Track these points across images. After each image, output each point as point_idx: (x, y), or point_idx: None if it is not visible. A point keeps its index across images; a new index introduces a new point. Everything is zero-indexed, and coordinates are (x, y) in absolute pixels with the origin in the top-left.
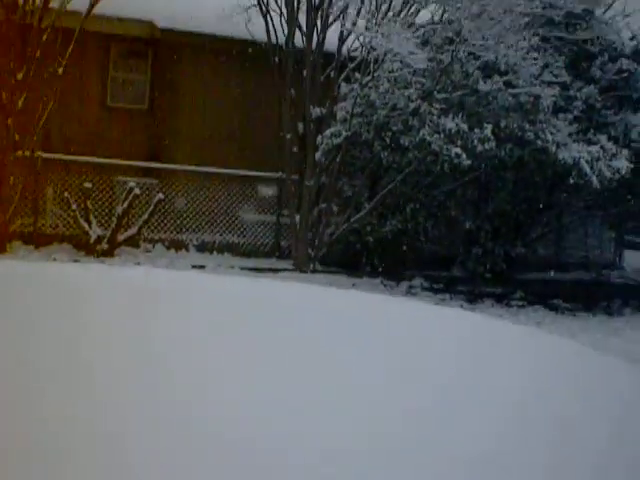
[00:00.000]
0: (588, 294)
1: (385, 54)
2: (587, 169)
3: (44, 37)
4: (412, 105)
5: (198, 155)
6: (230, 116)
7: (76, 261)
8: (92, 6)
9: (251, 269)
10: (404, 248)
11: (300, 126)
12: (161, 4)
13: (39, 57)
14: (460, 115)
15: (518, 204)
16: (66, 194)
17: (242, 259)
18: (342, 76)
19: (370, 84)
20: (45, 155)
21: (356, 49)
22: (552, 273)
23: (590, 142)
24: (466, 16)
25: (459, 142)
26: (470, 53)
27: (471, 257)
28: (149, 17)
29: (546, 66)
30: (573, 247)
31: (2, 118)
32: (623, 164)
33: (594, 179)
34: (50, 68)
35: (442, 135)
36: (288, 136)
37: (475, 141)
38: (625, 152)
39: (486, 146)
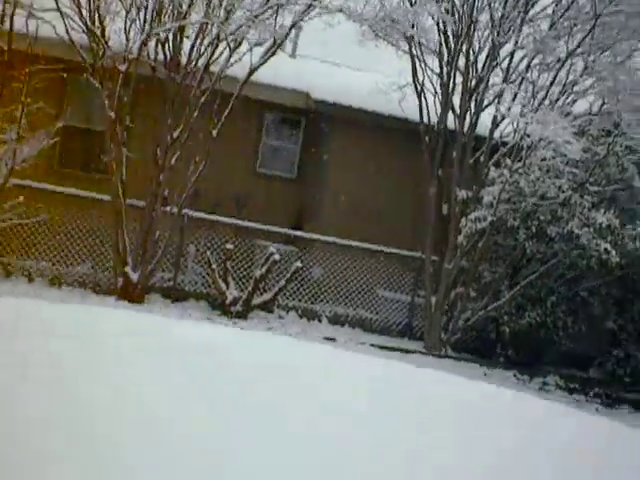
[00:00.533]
0: None
1: (539, 141)
2: None
3: (202, 99)
4: (562, 195)
5: (340, 228)
6: (376, 192)
7: (209, 319)
8: (251, 72)
9: (381, 347)
10: (541, 342)
11: (445, 207)
12: (319, 78)
13: (196, 118)
14: (612, 210)
15: None
16: (208, 253)
17: (373, 335)
18: (492, 160)
19: (520, 170)
20: (192, 213)
21: (508, 134)
22: None
23: None
24: (626, 109)
25: (609, 237)
26: (627, 147)
27: (611, 359)
28: (305, 88)
29: None
30: None
31: (155, 173)
32: None
33: None
34: (205, 130)
35: (592, 229)
36: (432, 217)
37: (626, 238)
38: None
39: (637, 244)
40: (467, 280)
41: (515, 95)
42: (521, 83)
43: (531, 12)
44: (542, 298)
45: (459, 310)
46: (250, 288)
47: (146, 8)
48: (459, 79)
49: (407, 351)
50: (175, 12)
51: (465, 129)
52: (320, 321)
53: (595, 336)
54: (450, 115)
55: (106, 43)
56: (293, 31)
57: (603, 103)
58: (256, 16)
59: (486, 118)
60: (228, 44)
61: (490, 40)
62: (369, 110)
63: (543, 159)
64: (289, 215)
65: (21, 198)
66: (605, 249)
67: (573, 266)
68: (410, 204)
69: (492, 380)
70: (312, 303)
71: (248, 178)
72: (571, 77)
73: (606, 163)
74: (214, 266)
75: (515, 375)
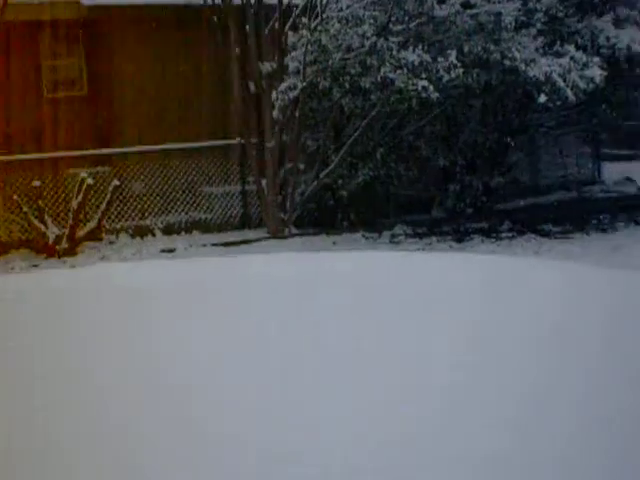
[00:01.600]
0: (575, 214)
1: None
2: (561, 83)
3: None
4: (368, 43)
5: (149, 134)
6: (178, 87)
7: (36, 266)
8: None
9: (225, 244)
10: (379, 197)
11: (252, 85)
12: None
13: None
14: (420, 46)
15: (490, 132)
16: (15, 197)
17: (212, 235)
18: (288, 25)
19: (320, 28)
20: None
21: None
22: (532, 198)
23: (559, 54)
24: None
25: (424, 75)
26: None
27: (449, 195)
28: None
29: None
30: (550, 169)
31: None
32: (596, 72)
33: (569, 92)
34: None
35: (405, 70)
36: (241, 98)
37: (441, 71)
38: (596, 60)
39: (452, 74)
40: (293, 154)
41: None
42: None
43: None
44: (371, 152)
45: (292, 186)
46: (71, 221)
47: None
48: None
49: (251, 241)
50: None
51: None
52: (154, 235)
53: (430, 177)
54: None
55: None
56: None
57: None
58: None
59: None
60: None
61: None
62: (145, 3)
63: (340, 10)
64: (92, 134)
65: None
66: (423, 87)
67: (394, 113)
68: (217, 92)
69: (342, 246)
70: (141, 219)
71: (39, 106)
72: None
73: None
74: (25, 209)
75: (363, 235)
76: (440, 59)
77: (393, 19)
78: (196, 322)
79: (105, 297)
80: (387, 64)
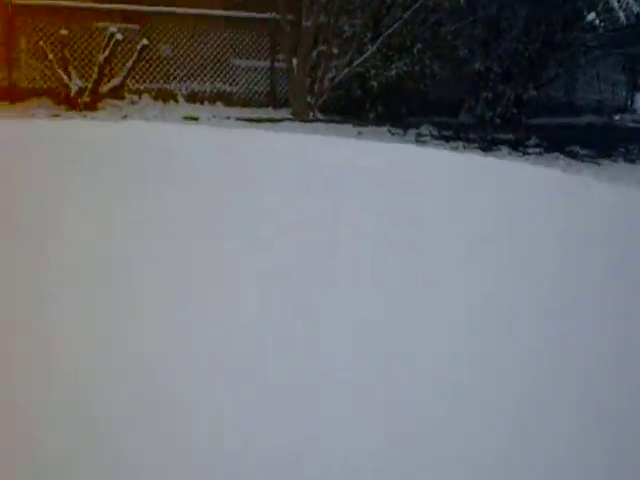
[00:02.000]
0: (604, 139)
1: None
2: (615, 2)
3: None
4: None
5: None
6: None
7: (56, 116)
8: None
9: (247, 120)
10: (410, 93)
11: None
12: None
13: None
14: None
15: (531, 43)
16: (41, 43)
17: (236, 109)
18: None
19: None
20: (16, 1)
21: None
22: (564, 118)
23: None
24: None
25: None
26: None
27: (480, 102)
28: None
29: None
30: (585, 90)
31: None
32: None
33: (621, 14)
34: None
35: None
36: None
37: None
38: None
39: None
40: (328, 37)
41: None
42: None
43: None
44: (408, 46)
45: (323, 70)
46: (95, 76)
47: None
48: None
49: (275, 120)
50: None
51: None
52: (177, 101)
53: (463, 80)
54: None
55: None
56: None
57: None
58: None
59: None
60: None
61: None
62: None
63: None
64: None
65: None
66: None
67: (437, 9)
68: None
69: (367, 137)
70: (165, 83)
71: None
72: None
73: None
74: (51, 56)
75: (389, 130)
76: None
77: None
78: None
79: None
80: None
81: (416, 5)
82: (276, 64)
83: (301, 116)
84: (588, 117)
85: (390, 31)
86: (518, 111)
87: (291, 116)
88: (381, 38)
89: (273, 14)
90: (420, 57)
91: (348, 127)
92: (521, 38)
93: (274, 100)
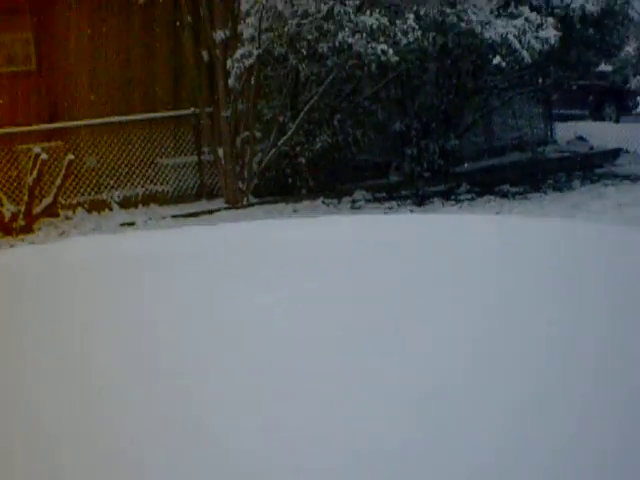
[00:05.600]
0: (531, 174)
1: None
2: (516, 44)
3: None
4: (325, 7)
5: (101, 106)
6: (128, 58)
7: None
8: None
9: (185, 215)
10: (337, 162)
11: (205, 54)
12: None
13: None
14: (377, 10)
15: (445, 95)
16: None
17: (170, 207)
18: None
19: None
20: None
21: None
22: (488, 160)
23: (513, 16)
24: None
25: (382, 38)
26: None
27: (406, 159)
28: None
29: None
30: (504, 130)
31: None
32: (551, 33)
33: (524, 53)
34: None
35: (363, 34)
36: (194, 67)
37: (399, 34)
38: (550, 20)
39: (410, 37)
40: (249, 123)
41: None
42: None
43: None
44: (327, 118)
45: (249, 155)
46: (26, 198)
47: None
48: None
49: (212, 211)
50: None
51: None
52: (111, 209)
53: (386, 141)
54: None
55: None
56: None
57: None
58: None
59: None
60: None
61: None
62: None
63: None
64: (42, 110)
65: None
66: (382, 50)
67: (350, 78)
68: (170, 61)
69: (303, 214)
70: (97, 193)
71: None
72: None
73: None
74: None
75: (324, 202)
76: (398, 22)
77: None
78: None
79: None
80: (345, 29)
81: (330, 78)
82: (203, 157)
83: (235, 203)
84: (512, 155)
85: (308, 107)
86: (444, 162)
87: (225, 205)
88: (301, 115)
89: (192, 109)
90: (341, 126)
91: (282, 206)
92: (434, 92)
93: (206, 192)
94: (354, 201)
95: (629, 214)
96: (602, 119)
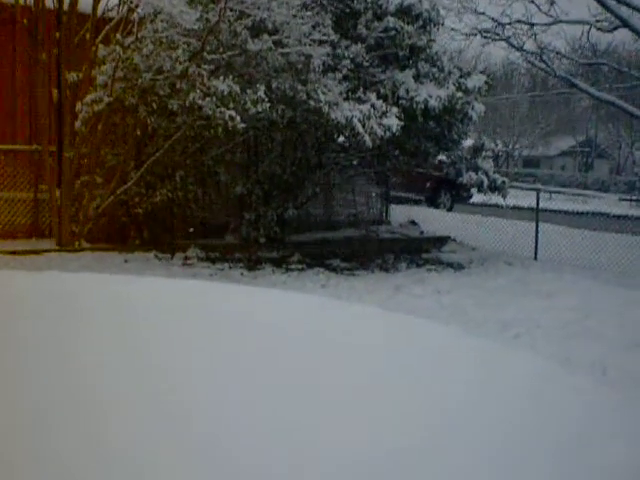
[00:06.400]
0: (361, 251)
1: (155, 14)
2: (360, 128)
3: None
4: (180, 67)
5: None
6: None
7: None
8: None
9: (10, 252)
10: (175, 218)
11: (55, 93)
12: None
13: None
14: (230, 76)
15: (288, 166)
16: None
17: None
18: (100, 37)
19: (133, 46)
20: None
21: (113, 8)
22: (323, 233)
23: (361, 101)
24: None
25: (232, 105)
26: (239, 11)
27: (244, 223)
28: None
29: (316, 25)
30: (342, 206)
31: None
32: (394, 122)
33: (367, 138)
34: None
35: (214, 98)
36: (43, 105)
37: (248, 103)
38: (395, 110)
39: (259, 107)
40: (91, 167)
41: None
42: None
43: None
44: (170, 174)
45: (87, 199)
46: None
47: None
48: None
49: (40, 251)
50: None
51: (66, 7)
52: None
53: (227, 203)
54: None
55: None
56: None
57: None
58: None
59: None
60: None
61: None
62: None
63: (156, 31)
64: None
65: None
66: (230, 116)
67: (198, 137)
68: (19, 95)
69: (134, 264)
70: None
71: None
72: None
73: (219, 30)
74: None
75: (156, 255)
76: (249, 91)
77: (208, 48)
78: None
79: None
80: (197, 90)
81: (177, 134)
82: (39, 195)
83: (66, 246)
84: (347, 231)
85: (152, 159)
86: (280, 230)
87: (56, 247)
88: (144, 166)
89: (35, 146)
90: (183, 183)
91: (114, 255)
92: (279, 162)
93: (38, 231)
94: (187, 258)
95: (445, 301)
96: (437, 206)
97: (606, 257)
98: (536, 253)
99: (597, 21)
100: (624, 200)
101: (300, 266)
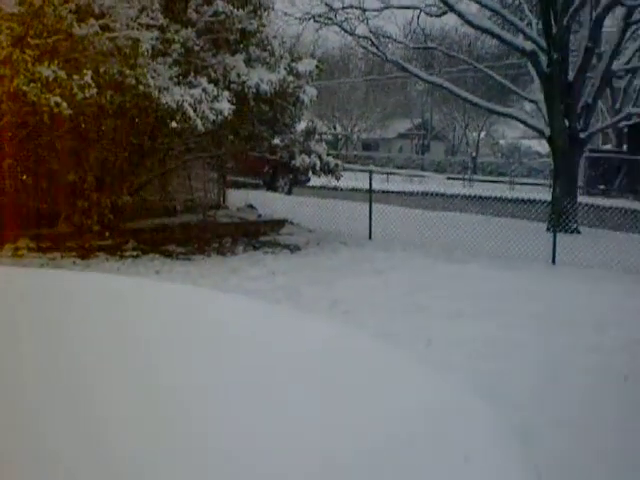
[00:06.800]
0: (198, 237)
1: None
2: (191, 112)
3: None
4: (3, 52)
5: None
6: None
7: None
8: None
9: None
10: (4, 208)
11: None
12: None
13: None
14: (56, 62)
15: (121, 152)
16: None
17: None
18: None
19: None
20: None
21: None
22: (160, 219)
23: (192, 85)
24: None
25: (57, 90)
26: None
27: (77, 211)
28: None
29: (143, 9)
30: (179, 191)
31: None
32: (225, 106)
33: (198, 122)
34: None
35: (38, 84)
36: None
37: (75, 88)
38: (226, 94)
39: (87, 93)
40: None
41: None
42: None
43: None
44: None
45: None
46: None
47: None
48: None
49: None
50: None
51: None
52: None
53: (59, 191)
54: None
55: None
56: None
57: None
58: None
59: None
60: None
61: None
62: None
63: None
64: None
65: None
66: (55, 102)
67: (24, 125)
68: None
69: None
70: None
71: None
72: None
73: (43, 14)
74: None
75: None
76: (76, 77)
77: (31, 32)
78: None
79: None
80: (21, 76)
81: (2, 122)
82: None
83: None
84: (184, 216)
85: None
86: (115, 217)
87: None
88: None
89: None
90: (11, 172)
91: None
92: (110, 148)
93: None
94: (17, 249)
95: (279, 281)
96: (275, 190)
97: (434, 234)
98: (370, 233)
99: (426, 6)
100: (451, 179)
101: (135, 253)
